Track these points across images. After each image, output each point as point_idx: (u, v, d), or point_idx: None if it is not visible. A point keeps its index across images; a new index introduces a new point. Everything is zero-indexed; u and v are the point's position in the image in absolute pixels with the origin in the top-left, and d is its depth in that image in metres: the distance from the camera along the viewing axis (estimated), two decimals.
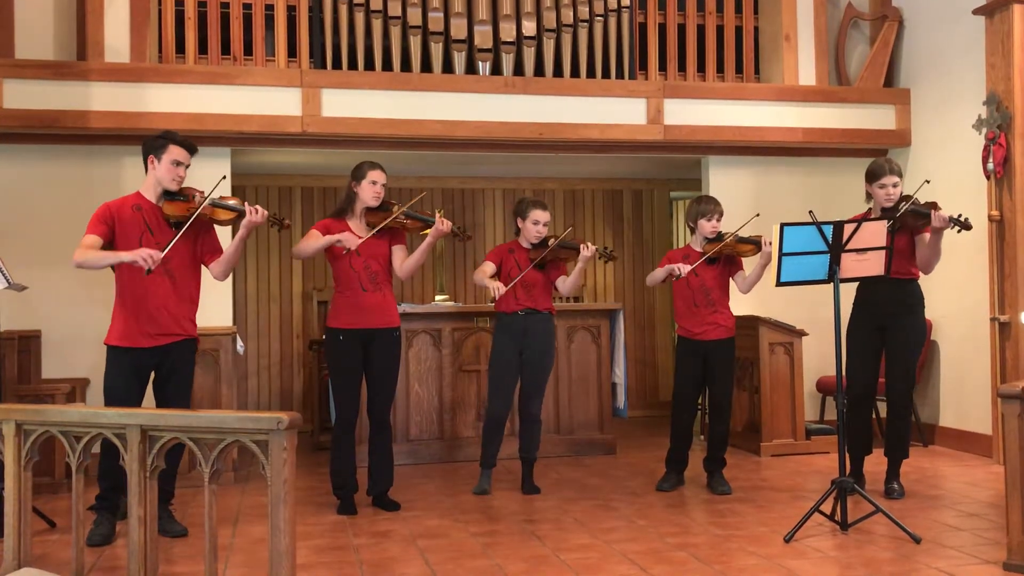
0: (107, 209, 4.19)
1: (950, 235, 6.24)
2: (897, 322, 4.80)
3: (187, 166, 4.27)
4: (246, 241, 4.30)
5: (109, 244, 4.16)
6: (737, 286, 5.15)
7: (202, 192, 4.24)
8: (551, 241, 5.10)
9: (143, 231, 4.18)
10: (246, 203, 4.24)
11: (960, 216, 4.55)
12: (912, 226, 4.70)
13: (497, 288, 4.94)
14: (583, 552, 3.92)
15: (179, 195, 4.23)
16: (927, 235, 4.67)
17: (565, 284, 5.17)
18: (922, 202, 4.66)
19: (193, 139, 4.40)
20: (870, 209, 4.92)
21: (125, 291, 4.18)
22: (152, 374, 4.29)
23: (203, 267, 4.41)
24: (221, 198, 4.27)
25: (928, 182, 5.22)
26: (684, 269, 4.95)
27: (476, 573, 3.65)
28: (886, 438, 4.94)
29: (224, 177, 4.59)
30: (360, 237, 4.62)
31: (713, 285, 5.06)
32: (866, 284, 4.67)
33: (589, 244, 5.02)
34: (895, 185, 4.75)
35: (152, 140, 4.27)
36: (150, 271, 4.02)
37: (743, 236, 5.05)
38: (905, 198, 4.71)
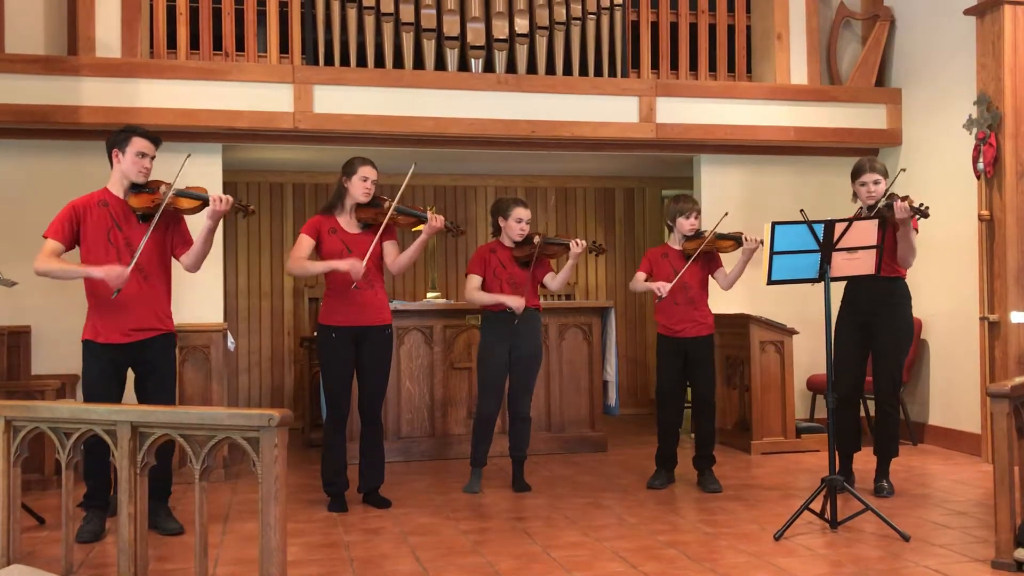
0: (72, 209, 4.14)
1: (943, 234, 6.29)
2: (883, 320, 4.82)
3: (152, 157, 4.22)
4: (215, 231, 4.25)
5: (73, 246, 4.13)
6: (718, 283, 5.18)
7: (168, 183, 4.19)
8: (536, 238, 5.10)
9: (110, 227, 4.14)
10: (211, 193, 4.19)
11: (920, 205, 4.58)
12: (892, 222, 4.71)
13: (518, 306, 4.97)
14: (574, 550, 3.92)
15: (145, 187, 4.20)
16: (897, 229, 4.70)
17: (555, 281, 5.17)
18: (899, 196, 4.70)
19: (184, 135, 4.38)
20: (860, 209, 4.94)
21: (97, 287, 4.13)
22: (131, 372, 4.26)
23: (174, 260, 4.36)
24: (186, 188, 4.22)
25: (904, 170, 5.22)
26: (665, 289, 4.99)
27: (467, 570, 3.65)
28: (875, 436, 4.96)
29: (188, 155, 4.47)
30: (362, 268, 4.56)
31: (693, 283, 5.08)
32: (852, 283, 4.69)
33: (578, 240, 5.04)
34: (876, 183, 4.77)
35: (115, 134, 4.23)
36: (118, 291, 3.99)
37: (722, 233, 5.08)
38: (886, 195, 4.73)
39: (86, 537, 4.11)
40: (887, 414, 4.88)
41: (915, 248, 4.75)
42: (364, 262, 4.53)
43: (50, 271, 4.08)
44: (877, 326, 4.82)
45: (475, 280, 5.12)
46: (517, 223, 5.10)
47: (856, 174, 4.85)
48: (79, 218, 4.13)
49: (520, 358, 5.11)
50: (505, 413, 5.42)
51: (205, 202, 4.16)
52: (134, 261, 4.07)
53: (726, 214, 5.25)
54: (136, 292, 4.14)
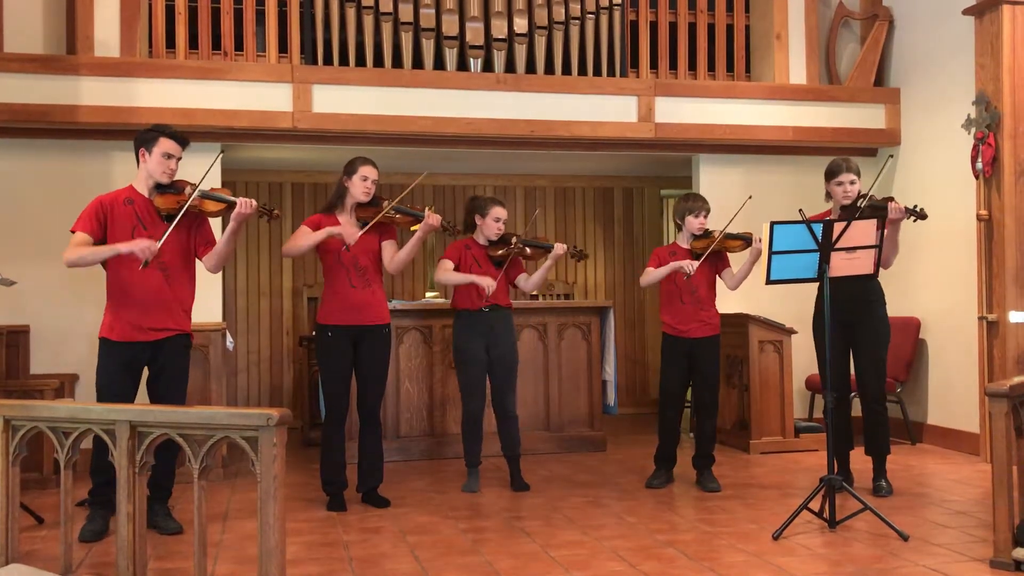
0: (99, 204, 4.15)
1: (941, 233, 6.29)
2: (862, 320, 4.84)
3: (178, 159, 4.25)
4: (238, 233, 4.28)
5: (101, 241, 4.12)
6: (725, 283, 5.17)
7: (193, 184, 4.21)
8: (513, 239, 5.11)
9: (135, 224, 4.15)
10: (236, 196, 4.22)
11: (916, 207, 4.62)
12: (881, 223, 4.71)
13: (489, 285, 4.96)
14: (572, 548, 3.93)
15: (170, 188, 4.22)
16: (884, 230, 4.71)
17: (529, 282, 5.20)
18: (879, 198, 4.73)
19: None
20: (830, 209, 4.96)
21: (117, 285, 4.14)
22: (145, 370, 4.27)
23: (197, 260, 4.38)
24: (211, 190, 4.25)
25: (892, 156, 5.19)
26: (692, 267, 4.96)
27: (466, 569, 3.65)
28: (865, 437, 4.96)
29: (220, 151, 4.54)
30: (358, 234, 4.59)
31: (700, 282, 5.08)
32: (829, 283, 4.69)
33: (560, 244, 5.06)
34: (852, 183, 4.79)
35: (143, 133, 4.25)
36: (147, 263, 3.99)
37: (731, 232, 5.07)
38: (862, 196, 4.75)
39: (88, 536, 4.11)
40: (877, 412, 4.89)
41: (898, 248, 4.77)
42: (359, 233, 4.57)
43: (80, 257, 4.06)
44: (858, 326, 4.84)
45: (449, 263, 5.13)
46: (495, 222, 5.12)
47: (831, 174, 4.87)
48: (106, 213, 4.14)
49: (498, 358, 5.12)
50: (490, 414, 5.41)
51: (231, 205, 4.17)
52: (162, 240, 4.06)
53: (750, 197, 5.21)
54: (158, 291, 4.15)
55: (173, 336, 4.23)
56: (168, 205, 4.19)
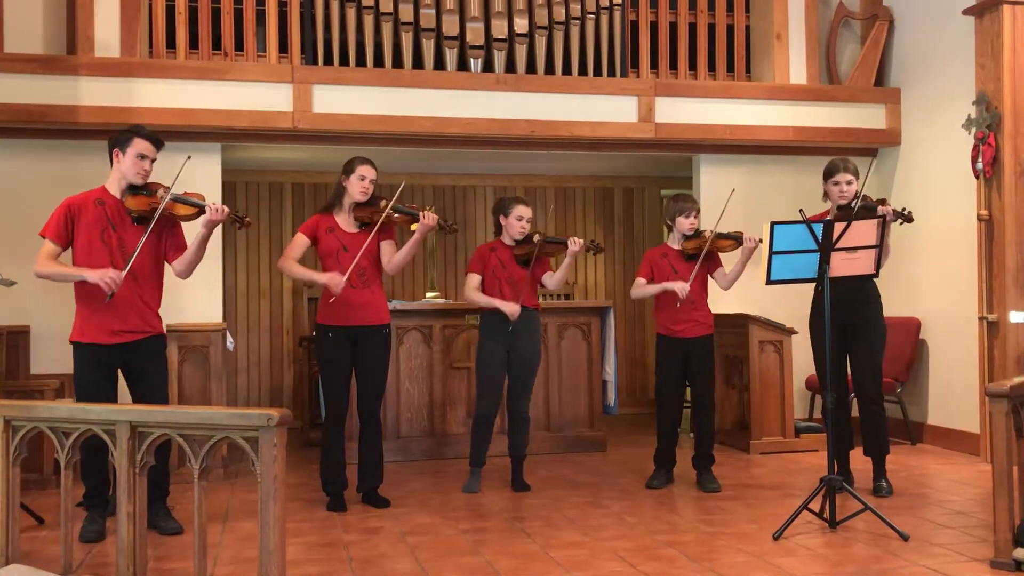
0: (67, 208, 4.12)
1: (942, 233, 6.30)
2: (858, 321, 4.84)
3: (153, 160, 4.20)
4: (208, 240, 4.21)
5: (70, 244, 4.12)
6: (718, 283, 5.19)
7: (166, 187, 4.16)
8: (536, 237, 5.11)
9: (105, 227, 4.12)
10: (208, 201, 4.17)
11: (903, 210, 4.65)
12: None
13: (512, 312, 4.96)
14: (573, 549, 3.92)
15: (143, 189, 4.17)
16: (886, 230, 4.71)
17: (553, 279, 5.18)
18: (873, 199, 4.75)
19: (183, 135, 4.36)
20: (829, 210, 4.96)
21: (86, 288, 4.10)
22: (120, 372, 4.23)
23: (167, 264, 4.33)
24: (184, 194, 4.19)
25: (876, 159, 5.23)
26: (684, 290, 4.97)
27: (466, 570, 3.65)
28: (864, 437, 4.96)
29: (188, 157, 4.45)
30: (345, 273, 4.55)
31: (693, 283, 5.08)
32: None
33: (576, 238, 5.05)
34: (848, 183, 4.81)
35: (118, 134, 4.21)
36: (112, 296, 3.97)
37: (723, 232, 5.08)
38: (857, 196, 4.75)
39: (92, 536, 4.11)
40: (875, 412, 4.89)
41: (889, 250, 4.79)
42: (345, 277, 4.54)
43: (48, 274, 4.10)
44: (854, 327, 4.84)
45: (474, 279, 5.13)
46: (518, 221, 5.11)
47: (829, 174, 4.89)
48: (74, 216, 4.11)
49: (519, 358, 5.11)
50: (504, 412, 5.43)
51: (201, 210, 4.13)
52: (128, 266, 4.04)
53: (733, 190, 5.20)
54: (125, 294, 4.10)
55: (144, 339, 4.19)
56: (139, 207, 4.14)
